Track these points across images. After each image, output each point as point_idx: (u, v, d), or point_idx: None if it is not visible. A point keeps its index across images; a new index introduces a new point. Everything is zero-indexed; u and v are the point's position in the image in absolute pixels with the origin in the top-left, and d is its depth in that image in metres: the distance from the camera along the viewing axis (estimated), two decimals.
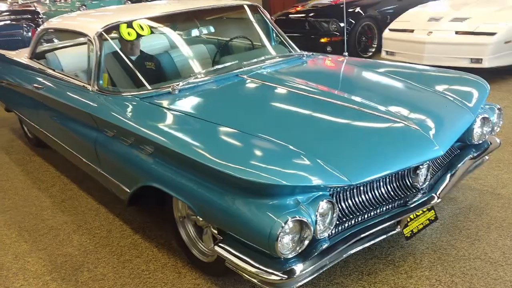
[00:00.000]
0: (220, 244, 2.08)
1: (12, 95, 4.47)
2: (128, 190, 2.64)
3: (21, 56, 4.38)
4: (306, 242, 1.88)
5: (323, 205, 1.90)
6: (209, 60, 3.77)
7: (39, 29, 4.05)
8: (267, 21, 3.85)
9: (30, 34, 7.61)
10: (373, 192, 2.23)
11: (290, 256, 1.87)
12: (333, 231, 2.07)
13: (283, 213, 1.81)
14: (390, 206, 2.26)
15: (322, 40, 7.26)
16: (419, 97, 2.74)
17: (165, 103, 2.68)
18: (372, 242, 2.18)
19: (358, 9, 7.32)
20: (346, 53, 3.63)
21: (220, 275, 2.48)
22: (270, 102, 2.74)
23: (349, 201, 2.16)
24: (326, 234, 1.97)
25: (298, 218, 1.80)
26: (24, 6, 16.32)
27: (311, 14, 7.72)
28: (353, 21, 7.16)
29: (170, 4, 3.93)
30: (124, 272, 2.60)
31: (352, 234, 2.11)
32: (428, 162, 2.28)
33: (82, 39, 4.27)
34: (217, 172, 1.95)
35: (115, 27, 3.16)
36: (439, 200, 2.36)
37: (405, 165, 2.17)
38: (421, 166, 2.26)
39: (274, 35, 3.80)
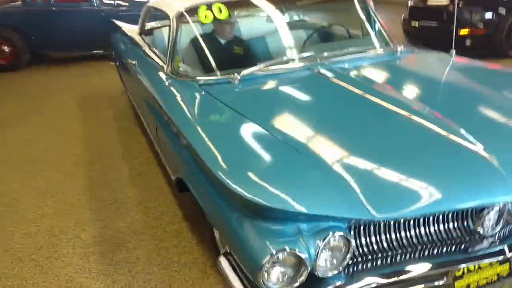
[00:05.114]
0: (224, 255, 1.90)
1: (121, 66, 4.78)
2: (173, 178, 2.60)
3: (134, 31, 4.64)
4: (301, 279, 1.59)
5: (332, 238, 1.58)
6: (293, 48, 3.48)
7: (144, 7, 4.19)
8: (369, 8, 3.43)
9: None
10: (416, 230, 1.81)
11: None
12: (356, 269, 1.75)
13: (274, 241, 1.54)
14: (442, 250, 1.83)
15: (462, 31, 6.36)
16: None
17: (218, 93, 2.54)
18: None
19: None
20: (454, 51, 3.06)
21: None
22: (326, 105, 2.40)
23: (383, 235, 1.78)
24: (330, 274, 1.64)
25: (288, 250, 1.52)
26: None
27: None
28: (503, 12, 6.13)
29: None
30: (156, 260, 2.58)
31: (378, 275, 1.74)
32: (498, 205, 1.78)
33: None
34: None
35: (196, 9, 3.09)
36: (511, 254, 1.84)
37: (460, 205, 1.71)
38: (487, 209, 1.77)
39: (372, 25, 3.37)
